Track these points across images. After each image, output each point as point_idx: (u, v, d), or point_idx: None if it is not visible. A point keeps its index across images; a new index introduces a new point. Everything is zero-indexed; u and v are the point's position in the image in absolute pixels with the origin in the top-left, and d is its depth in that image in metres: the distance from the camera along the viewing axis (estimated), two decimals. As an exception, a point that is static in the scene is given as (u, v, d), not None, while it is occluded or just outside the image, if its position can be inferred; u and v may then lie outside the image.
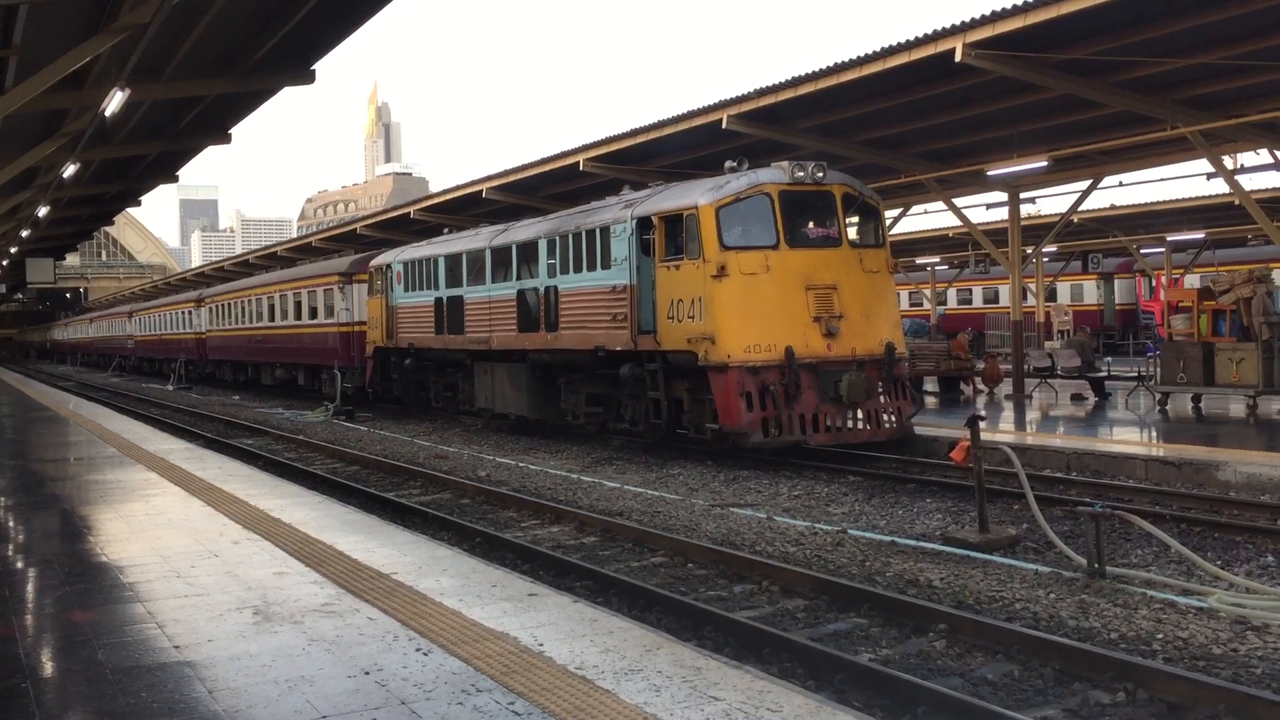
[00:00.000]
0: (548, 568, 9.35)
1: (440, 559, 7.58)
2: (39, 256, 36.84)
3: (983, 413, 17.70)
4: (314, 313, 30.41)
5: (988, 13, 14.46)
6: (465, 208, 29.73)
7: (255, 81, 14.87)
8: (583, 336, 17.28)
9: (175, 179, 24.08)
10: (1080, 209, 25.50)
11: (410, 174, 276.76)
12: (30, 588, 7.17)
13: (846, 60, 16.53)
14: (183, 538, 8.50)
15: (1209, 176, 24.58)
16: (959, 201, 24.66)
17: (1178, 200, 31.63)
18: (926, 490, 13.04)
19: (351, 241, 39.33)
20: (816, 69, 17.06)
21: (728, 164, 15.85)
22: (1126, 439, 15.54)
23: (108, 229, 75.18)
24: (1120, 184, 25.04)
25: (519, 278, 19.42)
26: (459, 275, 21.72)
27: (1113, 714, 5.85)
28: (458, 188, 28.91)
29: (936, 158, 22.26)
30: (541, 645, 5.45)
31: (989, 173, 20.84)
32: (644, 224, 15.90)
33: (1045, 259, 37.47)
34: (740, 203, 14.96)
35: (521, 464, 16.34)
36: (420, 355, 23.93)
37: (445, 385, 23.53)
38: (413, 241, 28.27)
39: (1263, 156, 19.66)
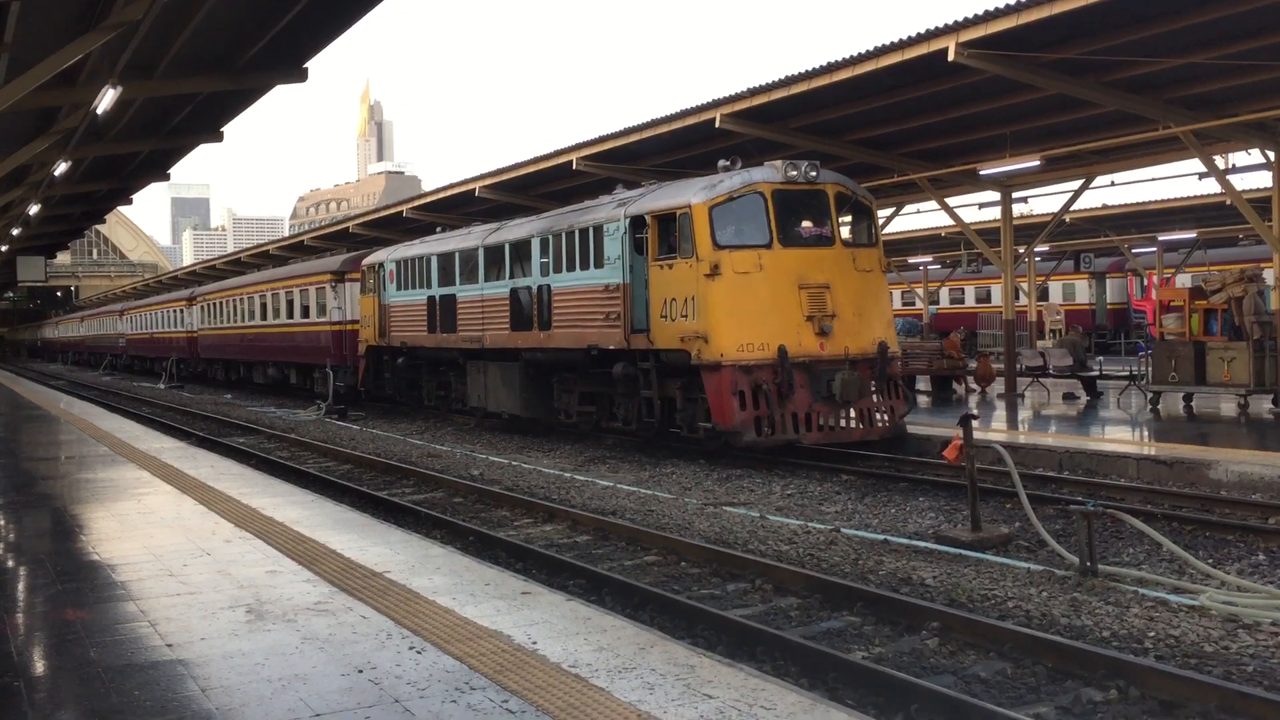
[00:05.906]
0: (541, 566, 9.34)
1: (433, 557, 7.57)
2: (30, 255, 36.73)
3: (975, 412, 17.70)
4: (306, 311, 30.36)
5: (980, 12, 14.50)
6: (458, 206, 29.74)
7: (247, 79, 14.84)
8: (576, 335, 17.27)
9: (167, 177, 24.06)
10: (1072, 208, 25.56)
11: (403, 173, 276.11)
12: (21, 586, 7.14)
13: (839, 59, 16.56)
14: (175, 536, 8.48)
15: (1201, 176, 24.74)
16: (952, 201, 24.72)
17: (1169, 200, 31.80)
18: (919, 489, 13.06)
19: (344, 240, 39.31)
20: (809, 68, 17.08)
21: (721, 163, 15.86)
22: (1118, 438, 15.57)
23: (99, 227, 75.12)
24: (1112, 183, 25.14)
25: (512, 276, 19.41)
26: (452, 274, 21.70)
27: (1105, 711, 5.86)
28: (450, 186, 28.92)
29: (929, 157, 22.30)
30: (535, 643, 5.44)
31: (981, 172, 20.90)
32: (637, 223, 15.90)
33: (1037, 258, 37.58)
34: (733, 202, 14.96)
35: (514, 463, 16.33)
36: (413, 354, 23.91)
37: (438, 384, 23.51)
38: (405, 240, 28.24)
39: (1254, 156, 19.72)
